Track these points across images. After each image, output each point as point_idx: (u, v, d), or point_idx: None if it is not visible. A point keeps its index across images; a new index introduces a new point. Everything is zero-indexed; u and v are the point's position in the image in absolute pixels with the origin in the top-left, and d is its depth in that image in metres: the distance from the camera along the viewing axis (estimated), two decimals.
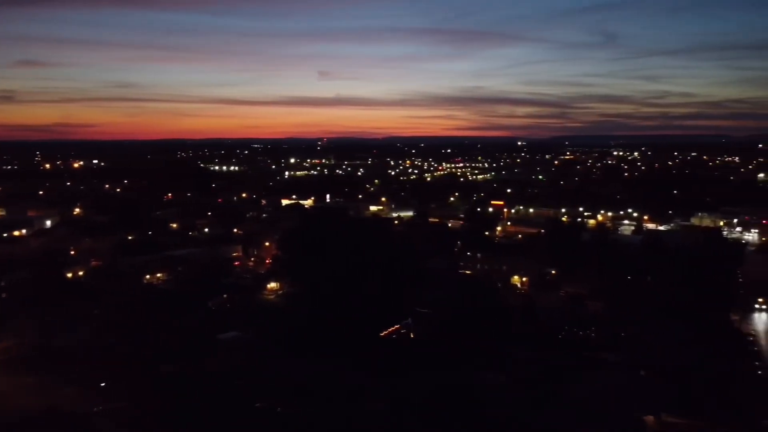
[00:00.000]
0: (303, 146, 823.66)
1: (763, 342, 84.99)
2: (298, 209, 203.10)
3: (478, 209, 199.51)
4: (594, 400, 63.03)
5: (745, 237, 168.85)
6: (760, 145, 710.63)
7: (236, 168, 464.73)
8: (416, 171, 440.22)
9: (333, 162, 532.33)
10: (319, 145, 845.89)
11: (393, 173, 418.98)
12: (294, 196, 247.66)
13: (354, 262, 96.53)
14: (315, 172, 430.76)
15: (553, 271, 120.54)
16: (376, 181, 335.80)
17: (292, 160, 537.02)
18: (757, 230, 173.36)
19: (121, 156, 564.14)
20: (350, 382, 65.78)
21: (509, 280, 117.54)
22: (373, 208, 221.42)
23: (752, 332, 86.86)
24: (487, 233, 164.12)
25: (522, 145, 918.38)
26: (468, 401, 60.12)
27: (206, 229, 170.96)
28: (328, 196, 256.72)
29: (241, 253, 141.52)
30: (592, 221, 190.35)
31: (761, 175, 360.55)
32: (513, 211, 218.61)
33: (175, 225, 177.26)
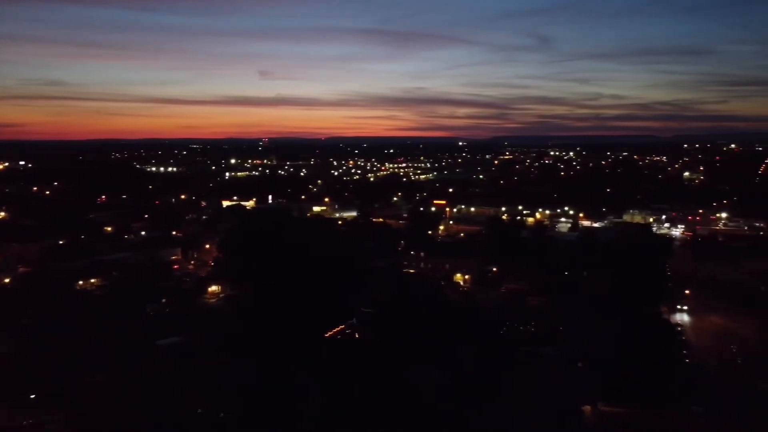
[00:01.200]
0: (244, 147, 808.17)
1: (689, 332, 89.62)
2: (239, 210, 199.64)
3: (421, 208, 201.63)
4: (533, 392, 64.86)
5: (673, 232, 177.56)
6: (685, 145, 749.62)
7: (174, 169, 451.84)
8: (359, 171, 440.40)
9: (275, 162, 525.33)
10: (260, 146, 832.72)
11: (336, 173, 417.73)
12: (235, 197, 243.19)
13: (297, 263, 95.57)
14: (257, 173, 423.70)
15: (495, 268, 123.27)
16: (319, 181, 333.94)
17: (233, 161, 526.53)
18: (683, 225, 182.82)
19: (49, 157, 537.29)
20: (294, 384, 65.12)
21: (452, 278, 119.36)
22: (316, 208, 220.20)
23: (680, 323, 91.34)
24: (430, 232, 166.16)
25: (463, 145, 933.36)
26: (409, 398, 60.62)
27: (143, 232, 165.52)
28: (270, 196, 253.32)
29: (180, 256, 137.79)
30: (530, 219, 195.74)
31: (686, 173, 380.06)
32: (455, 210, 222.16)
33: (109, 228, 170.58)
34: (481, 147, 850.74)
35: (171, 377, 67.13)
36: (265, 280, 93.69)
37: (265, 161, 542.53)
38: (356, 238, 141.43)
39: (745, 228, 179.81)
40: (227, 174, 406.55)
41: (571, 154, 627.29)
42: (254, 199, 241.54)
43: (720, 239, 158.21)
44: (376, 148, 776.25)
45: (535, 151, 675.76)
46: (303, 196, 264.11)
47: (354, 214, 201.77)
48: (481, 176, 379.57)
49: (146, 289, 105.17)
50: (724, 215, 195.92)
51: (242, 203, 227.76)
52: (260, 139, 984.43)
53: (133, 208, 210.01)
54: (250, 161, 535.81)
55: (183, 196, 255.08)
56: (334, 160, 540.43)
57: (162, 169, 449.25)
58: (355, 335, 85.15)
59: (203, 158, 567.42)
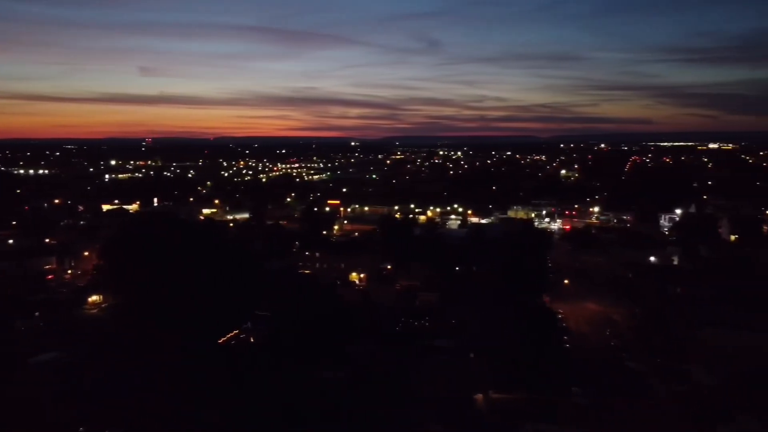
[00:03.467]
0: (125, 147, 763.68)
1: (569, 319, 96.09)
2: (121, 214, 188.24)
3: (315, 209, 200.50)
4: (428, 384, 66.66)
5: (552, 226, 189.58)
6: (562, 145, 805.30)
7: (46, 171, 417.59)
8: (251, 172, 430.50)
9: (160, 163, 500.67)
10: (143, 146, 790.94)
11: (226, 175, 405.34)
12: (117, 201, 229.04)
13: (187, 268, 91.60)
14: (140, 175, 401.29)
15: (389, 266, 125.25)
16: (209, 182, 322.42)
17: (113, 162, 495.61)
18: (561, 220, 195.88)
19: None
20: (185, 394, 62.45)
21: (348, 277, 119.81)
22: (206, 211, 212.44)
23: (560, 311, 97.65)
24: (324, 232, 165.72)
25: (355, 145, 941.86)
26: (308, 399, 60.23)
27: (10, 241, 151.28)
28: (155, 199, 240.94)
29: (55, 266, 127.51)
30: (422, 217, 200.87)
31: (563, 171, 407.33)
32: (349, 209, 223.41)
33: None
34: (374, 147, 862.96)
35: (48, 396, 61.98)
36: (151, 288, 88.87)
37: (149, 162, 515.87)
38: (249, 241, 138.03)
39: (614, 221, 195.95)
40: (107, 176, 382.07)
41: (459, 153, 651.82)
42: (138, 203, 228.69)
43: (593, 232, 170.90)
44: (267, 148, 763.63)
45: (425, 151, 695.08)
46: (191, 199, 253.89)
47: (246, 215, 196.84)
48: (374, 176, 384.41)
49: (16, 302, 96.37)
50: (596, 209, 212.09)
51: (125, 207, 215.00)
52: (143, 139, 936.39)
53: None
54: (132, 162, 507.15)
55: (57, 201, 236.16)
56: (223, 160, 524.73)
57: (32, 171, 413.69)
58: (250, 339, 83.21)
59: (79, 159, 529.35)
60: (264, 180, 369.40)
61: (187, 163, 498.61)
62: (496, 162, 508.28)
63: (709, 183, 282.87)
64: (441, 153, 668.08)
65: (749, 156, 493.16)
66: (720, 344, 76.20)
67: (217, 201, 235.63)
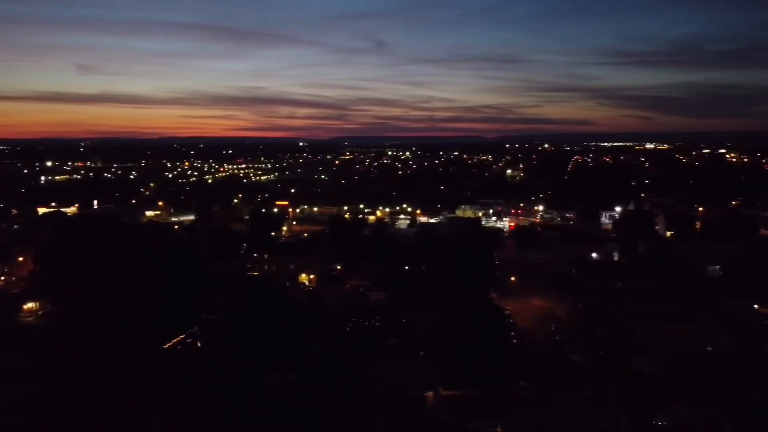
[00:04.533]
0: (63, 147, 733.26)
1: (516, 315, 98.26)
2: (59, 218, 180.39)
3: (263, 210, 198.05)
4: (379, 384, 66.88)
5: (499, 225, 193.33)
6: (507, 145, 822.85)
7: None
8: (196, 173, 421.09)
9: (100, 165, 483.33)
10: (82, 147, 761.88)
11: (170, 176, 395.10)
12: (54, 204, 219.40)
13: (129, 272, 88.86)
14: (79, 176, 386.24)
15: (339, 267, 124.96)
16: (152, 184, 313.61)
17: (50, 164, 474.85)
18: (507, 218, 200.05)
19: None
20: (129, 401, 60.52)
21: (297, 278, 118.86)
22: (149, 213, 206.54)
23: (508, 308, 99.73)
24: (273, 233, 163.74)
25: (304, 145, 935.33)
26: (258, 403, 59.45)
27: None
28: (95, 202, 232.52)
29: None
30: (372, 217, 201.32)
31: (509, 171, 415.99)
32: (298, 210, 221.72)
33: None
34: (322, 147, 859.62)
35: None
36: (92, 294, 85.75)
37: (88, 163, 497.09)
38: (195, 243, 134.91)
39: (558, 219, 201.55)
40: (43, 178, 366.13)
41: (408, 153, 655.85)
42: (77, 205, 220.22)
43: (538, 230, 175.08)
44: (213, 148, 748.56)
45: (374, 151, 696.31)
46: (134, 201, 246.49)
47: (192, 217, 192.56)
48: (323, 176, 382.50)
49: None
50: (541, 208, 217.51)
51: (62, 210, 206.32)
52: (82, 140, 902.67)
53: None
54: (70, 164, 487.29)
55: None
56: (167, 161, 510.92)
57: None
58: (197, 344, 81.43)
59: (12, 161, 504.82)
60: (210, 181, 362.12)
61: (129, 164, 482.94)
62: (443, 162, 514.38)
63: (647, 182, 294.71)
64: (390, 153, 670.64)
65: (683, 155, 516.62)
66: (657, 335, 79.62)
67: (161, 203, 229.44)
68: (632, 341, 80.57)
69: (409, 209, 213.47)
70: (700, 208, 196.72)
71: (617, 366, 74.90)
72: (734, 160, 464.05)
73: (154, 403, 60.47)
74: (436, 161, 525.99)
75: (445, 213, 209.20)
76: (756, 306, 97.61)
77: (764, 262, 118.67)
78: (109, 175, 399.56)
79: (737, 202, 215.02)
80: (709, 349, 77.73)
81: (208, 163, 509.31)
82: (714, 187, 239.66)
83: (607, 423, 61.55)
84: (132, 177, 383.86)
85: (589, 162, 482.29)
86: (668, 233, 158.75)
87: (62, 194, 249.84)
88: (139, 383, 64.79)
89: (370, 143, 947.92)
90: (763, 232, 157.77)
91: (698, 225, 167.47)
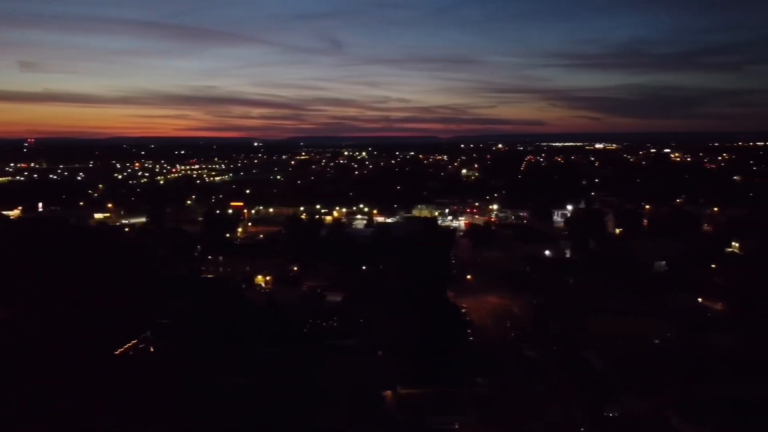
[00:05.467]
0: (4, 148, 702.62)
1: (472, 312, 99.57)
2: (1, 221, 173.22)
3: (218, 211, 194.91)
4: (337, 384, 66.70)
5: (455, 224, 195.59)
6: (462, 145, 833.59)
7: None
8: (147, 174, 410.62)
9: (45, 166, 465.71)
10: (25, 147, 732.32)
11: (120, 177, 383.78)
12: None
13: (77, 276, 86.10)
14: (22, 178, 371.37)
15: (295, 267, 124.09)
16: (101, 185, 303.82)
17: None
18: (463, 218, 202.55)
19: None
20: (78, 410, 58.65)
21: (253, 280, 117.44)
22: (98, 215, 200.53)
23: (464, 305, 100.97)
24: (228, 235, 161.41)
25: (258, 145, 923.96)
26: (212, 408, 58.50)
27: None
28: (40, 204, 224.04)
29: None
30: (328, 217, 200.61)
31: (464, 171, 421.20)
32: (253, 211, 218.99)
33: None
34: (278, 147, 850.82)
35: None
36: (37, 300, 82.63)
37: (32, 164, 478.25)
38: (147, 246, 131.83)
39: (512, 217, 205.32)
40: None
41: (364, 154, 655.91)
42: (20, 208, 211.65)
43: (493, 228, 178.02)
44: (165, 149, 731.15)
45: (330, 151, 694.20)
46: (82, 203, 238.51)
47: (143, 220, 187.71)
48: (278, 176, 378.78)
49: None
50: (495, 207, 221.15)
51: (4, 213, 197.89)
52: (25, 139, 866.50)
53: None
54: (12, 165, 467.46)
55: None
56: (117, 162, 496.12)
57: None
58: (149, 349, 79.44)
59: None
60: (162, 182, 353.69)
61: (77, 165, 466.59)
62: (400, 162, 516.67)
63: (597, 181, 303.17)
64: (346, 153, 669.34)
65: (630, 155, 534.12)
66: (608, 330, 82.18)
67: (110, 205, 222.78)
68: (584, 336, 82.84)
69: (366, 209, 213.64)
70: (647, 206, 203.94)
71: (570, 360, 76.89)
72: (678, 159, 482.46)
73: (105, 411, 58.81)
74: (393, 161, 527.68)
75: (402, 213, 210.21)
76: (700, 299, 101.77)
77: (706, 257, 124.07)
78: (55, 177, 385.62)
79: (681, 200, 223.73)
80: (656, 342, 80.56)
81: (159, 163, 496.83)
82: (660, 186, 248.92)
83: (560, 416, 63.15)
84: (80, 178, 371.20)
85: (542, 162, 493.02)
86: (617, 231, 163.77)
87: (4, 196, 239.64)
88: (89, 391, 62.88)
89: (326, 143, 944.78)
90: (705, 228, 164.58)
91: (645, 222, 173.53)
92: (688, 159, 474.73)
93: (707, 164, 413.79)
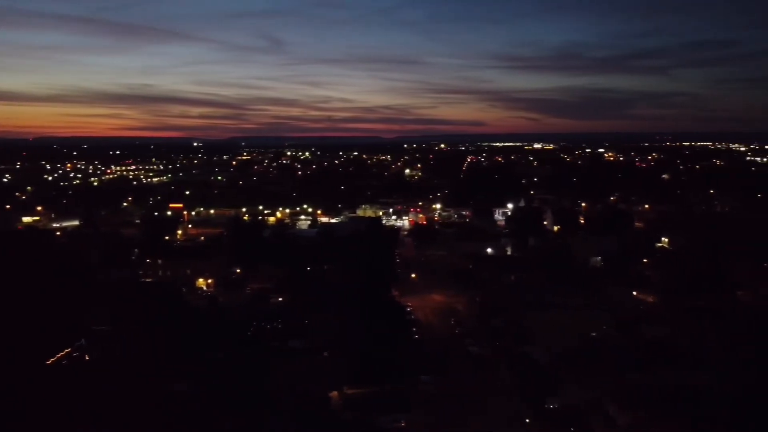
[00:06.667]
0: None
1: (417, 310, 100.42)
2: None
3: (156, 213, 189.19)
4: (283, 386, 65.97)
5: (399, 223, 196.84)
6: (405, 145, 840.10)
7: None
8: (80, 175, 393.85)
9: None
10: None
11: (50, 178, 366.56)
12: None
13: (4, 283, 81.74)
14: None
15: (238, 270, 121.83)
16: (29, 188, 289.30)
17: None
18: (407, 217, 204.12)
19: None
20: (9, 423, 55.68)
21: (195, 283, 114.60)
22: (26, 219, 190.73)
23: (409, 304, 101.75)
24: (167, 238, 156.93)
25: (198, 145, 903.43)
26: (154, 416, 56.71)
27: None
28: None
29: None
30: (272, 218, 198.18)
31: (407, 170, 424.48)
32: (193, 213, 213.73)
33: None
34: (218, 147, 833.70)
35: None
36: None
37: None
38: (81, 250, 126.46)
39: (455, 216, 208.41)
40: None
41: (307, 154, 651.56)
42: None
43: (436, 227, 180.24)
44: (99, 149, 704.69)
45: (272, 152, 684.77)
46: (8, 206, 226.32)
47: (76, 223, 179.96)
48: (219, 177, 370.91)
49: None
50: (438, 206, 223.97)
51: None
52: None
53: None
54: None
55: None
56: (46, 163, 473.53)
57: None
58: (84, 357, 76.22)
59: None
60: (96, 184, 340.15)
61: (2, 167, 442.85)
62: (343, 162, 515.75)
63: (535, 180, 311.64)
64: (289, 153, 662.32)
65: (567, 155, 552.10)
66: (548, 324, 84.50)
67: (40, 208, 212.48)
68: (526, 330, 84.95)
69: (310, 209, 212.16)
70: (584, 204, 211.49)
71: (512, 354, 78.68)
72: (612, 159, 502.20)
73: (36, 422, 56.03)
74: (336, 161, 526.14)
75: (346, 213, 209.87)
76: (634, 293, 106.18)
77: (638, 252, 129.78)
78: None
79: (615, 198, 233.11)
80: (594, 334, 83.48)
81: (93, 164, 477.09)
82: (595, 185, 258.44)
83: (503, 409, 64.55)
84: (5, 180, 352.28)
85: (483, 161, 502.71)
86: (555, 228, 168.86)
87: None
88: (19, 402, 59.73)
89: (269, 143, 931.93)
90: (637, 224, 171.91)
91: (582, 219, 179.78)
92: (621, 158, 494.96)
93: (638, 163, 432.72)
